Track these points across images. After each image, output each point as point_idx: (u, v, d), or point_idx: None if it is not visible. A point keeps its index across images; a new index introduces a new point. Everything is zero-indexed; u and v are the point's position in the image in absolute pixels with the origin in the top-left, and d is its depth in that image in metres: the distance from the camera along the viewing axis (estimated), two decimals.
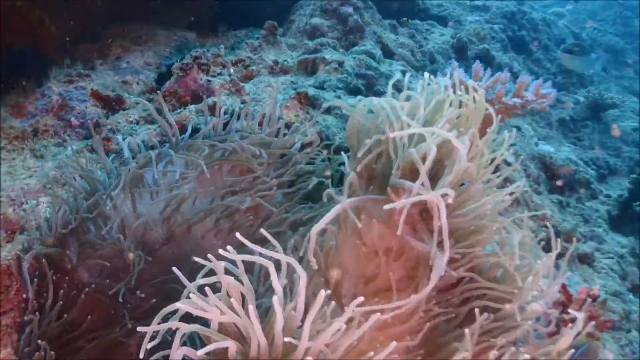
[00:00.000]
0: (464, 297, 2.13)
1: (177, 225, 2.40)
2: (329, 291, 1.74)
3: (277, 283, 1.60)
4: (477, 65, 4.01)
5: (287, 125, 2.94)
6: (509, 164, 3.57)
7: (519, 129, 4.69)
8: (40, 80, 3.31)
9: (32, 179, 2.78)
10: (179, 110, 3.13)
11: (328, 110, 3.39)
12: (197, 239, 2.42)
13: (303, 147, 2.94)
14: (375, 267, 2.19)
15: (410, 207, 2.10)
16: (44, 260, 2.30)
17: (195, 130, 2.79)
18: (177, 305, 1.59)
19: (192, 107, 3.15)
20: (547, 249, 3.33)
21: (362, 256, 2.18)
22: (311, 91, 3.40)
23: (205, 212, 2.43)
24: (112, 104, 3.32)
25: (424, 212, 2.09)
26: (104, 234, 2.33)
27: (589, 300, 2.32)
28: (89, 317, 2.26)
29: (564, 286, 2.73)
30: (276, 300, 1.55)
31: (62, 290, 2.25)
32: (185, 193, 2.44)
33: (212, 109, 3.00)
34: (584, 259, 3.85)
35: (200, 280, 1.67)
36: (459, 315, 2.08)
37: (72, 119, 3.15)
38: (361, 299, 1.70)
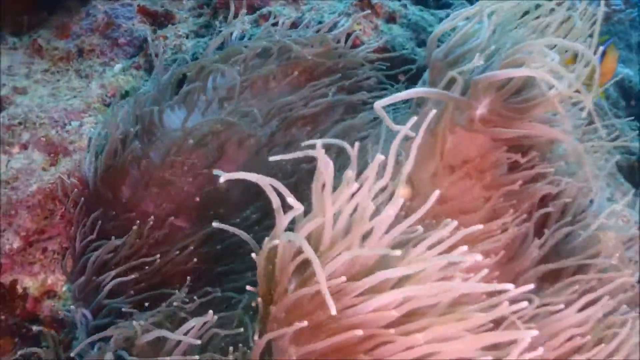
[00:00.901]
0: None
1: (228, 141, 2.16)
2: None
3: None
4: None
5: (348, 34, 2.65)
6: None
7: None
8: None
9: (76, 99, 2.58)
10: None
11: (393, 19, 3.07)
12: (250, 155, 2.18)
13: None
14: (452, 184, 1.93)
15: (492, 113, 1.81)
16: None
17: None
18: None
19: (245, 18, 2.88)
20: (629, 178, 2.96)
21: (438, 171, 1.92)
22: None
23: (256, 126, 2.18)
24: (160, 20, 3.07)
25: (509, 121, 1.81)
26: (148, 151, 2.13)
27: None
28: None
29: None
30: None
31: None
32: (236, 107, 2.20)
33: (267, 19, 2.74)
34: None
35: None
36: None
37: (119, 37, 2.94)
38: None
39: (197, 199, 2.09)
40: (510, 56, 1.76)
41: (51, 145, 2.39)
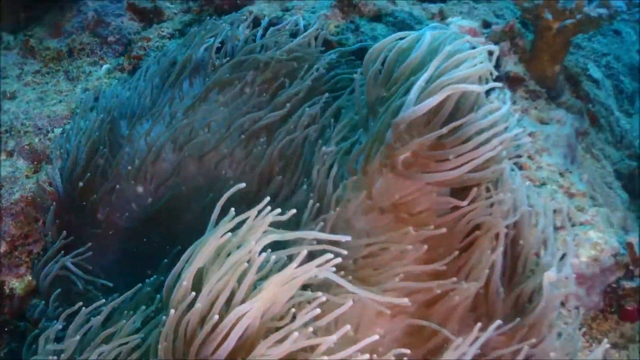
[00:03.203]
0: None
1: (188, 156, 2.25)
2: None
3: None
4: None
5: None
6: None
7: (618, 33, 3.99)
8: None
9: (61, 104, 2.71)
10: None
11: (379, 18, 3.02)
12: (209, 169, 2.26)
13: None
14: (383, 228, 1.85)
15: (416, 156, 1.72)
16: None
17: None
18: None
19: (225, 17, 2.92)
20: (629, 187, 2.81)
21: (369, 212, 1.85)
22: None
23: (218, 140, 2.26)
24: (149, 17, 3.15)
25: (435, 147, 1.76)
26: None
27: None
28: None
29: (630, 246, 2.24)
30: None
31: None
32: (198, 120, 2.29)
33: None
34: None
35: None
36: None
37: (108, 35, 3.04)
38: None
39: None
40: (432, 81, 1.67)
41: (34, 153, 2.53)
